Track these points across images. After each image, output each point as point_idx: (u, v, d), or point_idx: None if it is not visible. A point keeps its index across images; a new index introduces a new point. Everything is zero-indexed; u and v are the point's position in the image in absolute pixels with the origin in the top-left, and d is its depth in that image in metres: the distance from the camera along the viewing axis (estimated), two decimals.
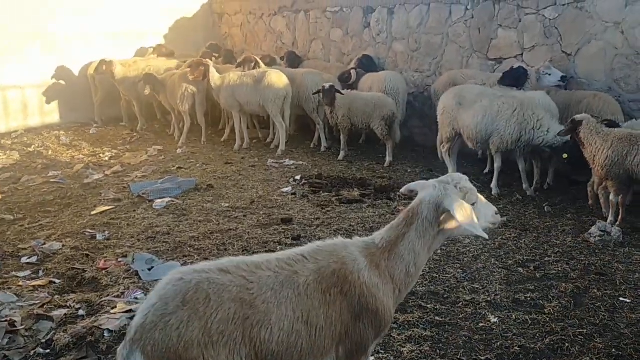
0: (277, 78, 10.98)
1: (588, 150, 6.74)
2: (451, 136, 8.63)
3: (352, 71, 11.73)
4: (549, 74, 8.98)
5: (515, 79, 9.01)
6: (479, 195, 3.07)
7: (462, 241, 6.38)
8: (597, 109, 7.57)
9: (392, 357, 4.16)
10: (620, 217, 6.74)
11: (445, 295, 5.22)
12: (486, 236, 3.03)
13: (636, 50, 8.32)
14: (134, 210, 7.81)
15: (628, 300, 4.99)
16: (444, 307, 5.00)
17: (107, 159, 10.97)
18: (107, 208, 7.88)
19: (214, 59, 13.38)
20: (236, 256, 2.95)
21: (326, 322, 2.73)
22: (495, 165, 8.15)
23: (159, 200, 8.11)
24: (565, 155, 7.37)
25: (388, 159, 10.11)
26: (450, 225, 2.98)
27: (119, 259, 6.03)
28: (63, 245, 6.43)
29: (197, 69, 11.39)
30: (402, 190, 3.35)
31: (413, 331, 4.56)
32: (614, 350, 4.21)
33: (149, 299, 2.52)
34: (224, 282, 2.55)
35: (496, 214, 3.18)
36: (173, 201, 8.12)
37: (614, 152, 6.51)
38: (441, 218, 2.97)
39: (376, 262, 2.92)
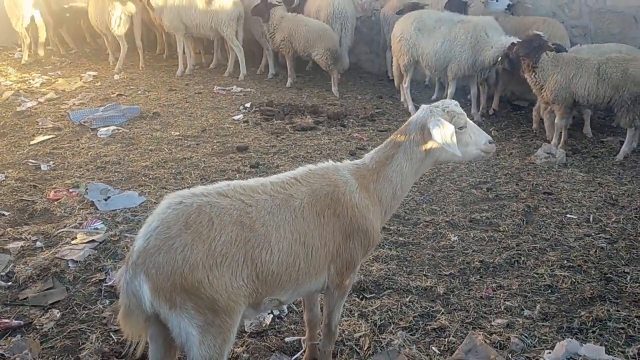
0: None
1: (539, 76, 6.92)
2: (409, 64, 8.58)
3: None
4: (496, 0, 9.06)
5: (456, 7, 9.02)
6: (471, 122, 3.09)
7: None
8: (547, 34, 7.74)
9: (362, 276, 4.30)
10: (562, 139, 7.12)
11: (407, 217, 5.40)
12: (459, 154, 2.95)
13: None
14: (77, 139, 7.42)
15: (574, 217, 5.37)
16: (406, 228, 5.19)
17: (38, 85, 10.22)
18: (47, 137, 7.45)
19: None
20: (195, 185, 2.88)
21: (321, 242, 2.76)
22: (449, 91, 8.26)
23: (104, 129, 7.74)
24: (500, 58, 7.53)
25: (334, 89, 9.98)
26: (434, 147, 3.00)
27: (70, 190, 5.76)
28: (6, 177, 6.05)
29: None
30: None
31: (379, 251, 4.71)
32: (565, 261, 4.55)
33: (148, 222, 2.43)
34: (224, 206, 2.50)
35: (490, 142, 3.11)
36: (118, 129, 7.77)
37: (562, 77, 6.77)
38: (426, 140, 2.99)
39: (366, 184, 2.94)
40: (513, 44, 7.18)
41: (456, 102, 3.08)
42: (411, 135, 3.01)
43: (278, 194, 2.70)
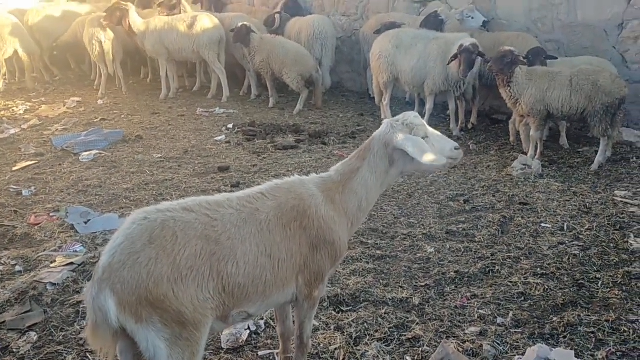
0: (210, 21, 10.58)
1: (514, 90, 7.07)
2: (388, 81, 8.73)
3: (277, 16, 11.56)
4: (472, 17, 9.27)
5: (433, 25, 9.21)
6: (432, 130, 3.18)
7: (397, 180, 6.65)
8: (521, 49, 7.92)
9: (339, 290, 4.35)
10: (538, 151, 7.25)
11: (384, 231, 5.47)
12: (444, 161, 3.07)
13: None
14: (60, 164, 7.47)
15: (549, 226, 5.46)
16: (383, 242, 5.25)
17: (21, 112, 10.29)
18: (29, 163, 7.50)
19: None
20: None
21: (287, 254, 2.82)
22: (427, 107, 8.42)
23: (86, 153, 7.80)
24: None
25: (298, 107, 10.12)
26: (401, 161, 3.09)
27: (51, 214, 5.80)
28: None
29: (113, 14, 10.74)
30: None
31: (357, 265, 4.77)
32: (538, 269, 4.63)
33: (114, 239, 2.49)
34: (189, 220, 2.57)
35: (456, 149, 3.15)
36: (101, 153, 7.83)
37: (536, 90, 6.94)
38: (392, 154, 3.09)
39: (332, 196, 3.02)
40: (461, 45, 7.39)
41: (416, 114, 3.18)
42: (375, 149, 3.10)
43: (244, 208, 2.77)
